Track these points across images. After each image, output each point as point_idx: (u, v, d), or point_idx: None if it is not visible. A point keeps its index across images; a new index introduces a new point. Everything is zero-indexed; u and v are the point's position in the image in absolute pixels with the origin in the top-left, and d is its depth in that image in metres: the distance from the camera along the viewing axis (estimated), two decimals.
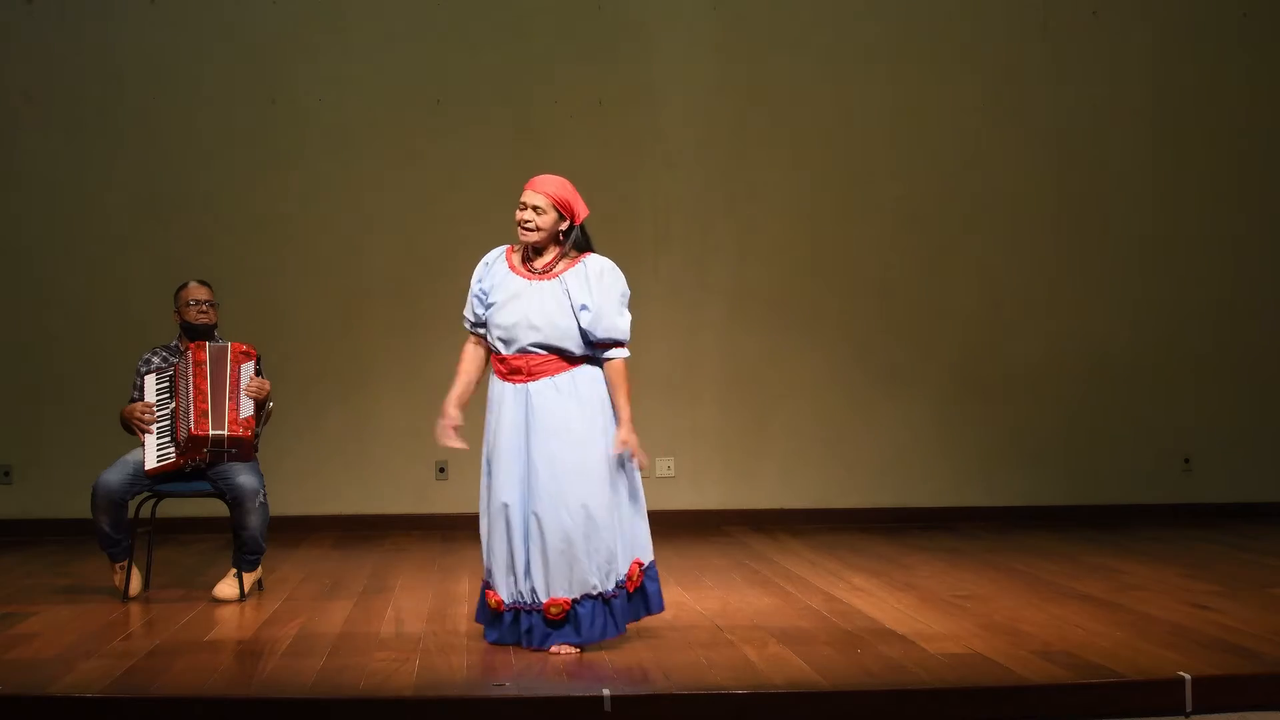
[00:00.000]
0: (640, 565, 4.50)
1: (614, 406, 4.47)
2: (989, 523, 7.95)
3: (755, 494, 8.09)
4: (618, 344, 4.47)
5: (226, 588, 5.47)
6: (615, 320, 4.44)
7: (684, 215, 8.11)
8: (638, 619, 4.55)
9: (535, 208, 4.46)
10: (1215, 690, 3.99)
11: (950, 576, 6.01)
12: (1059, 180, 8.30)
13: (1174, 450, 8.33)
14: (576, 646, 4.43)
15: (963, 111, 8.25)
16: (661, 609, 4.59)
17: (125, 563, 5.52)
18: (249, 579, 5.55)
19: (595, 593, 4.39)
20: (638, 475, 4.55)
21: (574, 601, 4.38)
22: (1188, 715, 3.94)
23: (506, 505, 4.42)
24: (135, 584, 5.56)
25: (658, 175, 8.10)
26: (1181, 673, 4.01)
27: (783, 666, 4.23)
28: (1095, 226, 8.32)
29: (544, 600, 4.39)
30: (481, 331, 4.59)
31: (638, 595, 4.50)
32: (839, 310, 8.16)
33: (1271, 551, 6.78)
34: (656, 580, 4.57)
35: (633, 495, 4.52)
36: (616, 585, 4.44)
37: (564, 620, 4.39)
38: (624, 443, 4.45)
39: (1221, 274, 8.39)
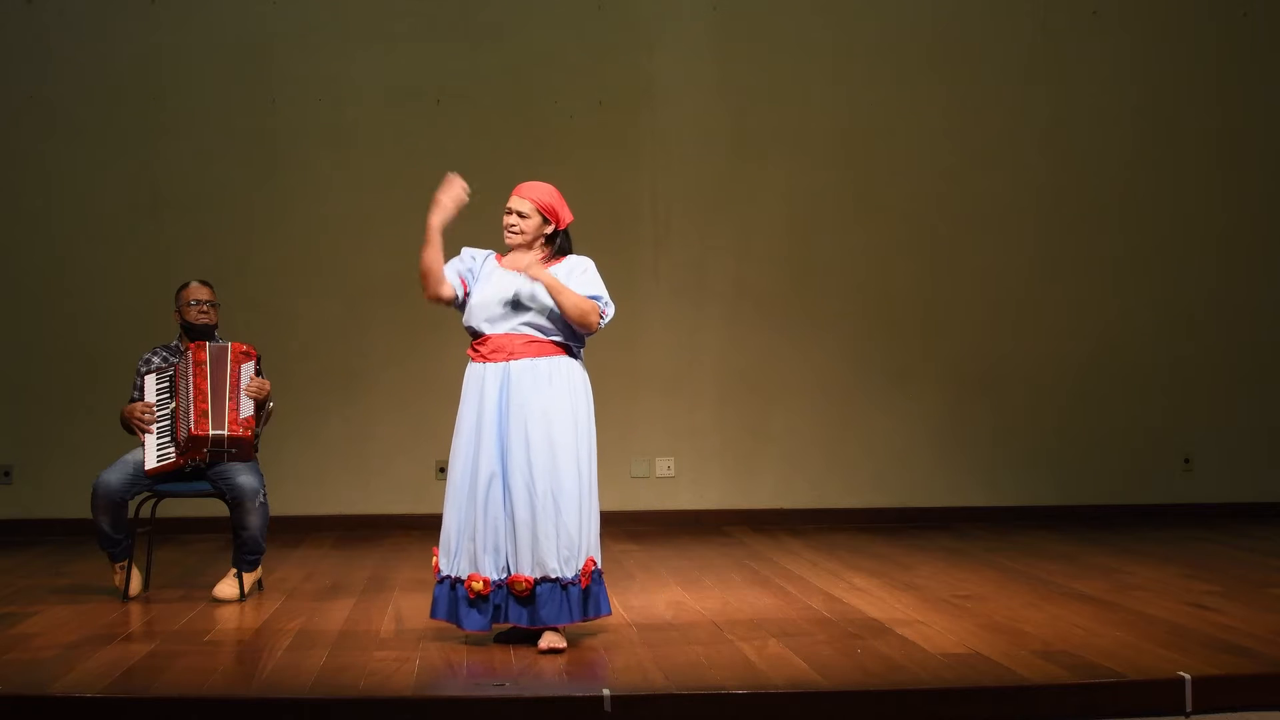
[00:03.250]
0: (593, 564, 4.53)
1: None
2: (989, 523, 7.95)
3: (755, 494, 8.09)
4: (594, 299, 4.57)
5: (226, 588, 5.47)
6: (595, 288, 4.59)
7: (684, 215, 8.12)
8: (588, 619, 4.54)
9: (520, 213, 4.65)
10: (1215, 690, 3.99)
11: (950, 576, 6.01)
12: (1059, 180, 8.30)
13: (1174, 450, 8.34)
14: (559, 634, 4.47)
15: (962, 111, 8.25)
16: (610, 612, 4.61)
17: (125, 563, 5.52)
18: (249, 579, 5.55)
19: (554, 576, 4.44)
20: (596, 476, 4.59)
21: (535, 581, 4.45)
22: (1188, 715, 3.94)
23: (494, 475, 4.49)
24: (135, 584, 5.56)
25: (658, 175, 8.10)
26: (1181, 673, 4.01)
27: (783, 666, 4.23)
28: (1094, 225, 8.32)
29: (512, 574, 4.47)
30: (451, 283, 4.69)
31: (590, 593, 4.52)
32: (838, 310, 8.17)
33: (1271, 551, 6.78)
34: (603, 584, 4.59)
35: (594, 495, 4.58)
36: (576, 576, 4.47)
37: (529, 598, 4.46)
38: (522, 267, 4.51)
39: (1222, 273, 8.39)
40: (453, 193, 4.65)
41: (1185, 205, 8.39)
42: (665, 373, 8.00)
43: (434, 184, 7.88)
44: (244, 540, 5.47)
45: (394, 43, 7.98)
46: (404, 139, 7.97)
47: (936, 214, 8.24)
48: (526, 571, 4.45)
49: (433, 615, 4.62)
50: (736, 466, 8.10)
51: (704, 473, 8.08)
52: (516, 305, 4.57)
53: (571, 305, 4.51)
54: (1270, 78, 8.45)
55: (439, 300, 4.71)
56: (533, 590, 4.45)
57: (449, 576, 4.55)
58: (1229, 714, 3.97)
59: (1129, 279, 8.34)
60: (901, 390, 8.18)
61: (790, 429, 8.13)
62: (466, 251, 4.79)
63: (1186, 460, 8.35)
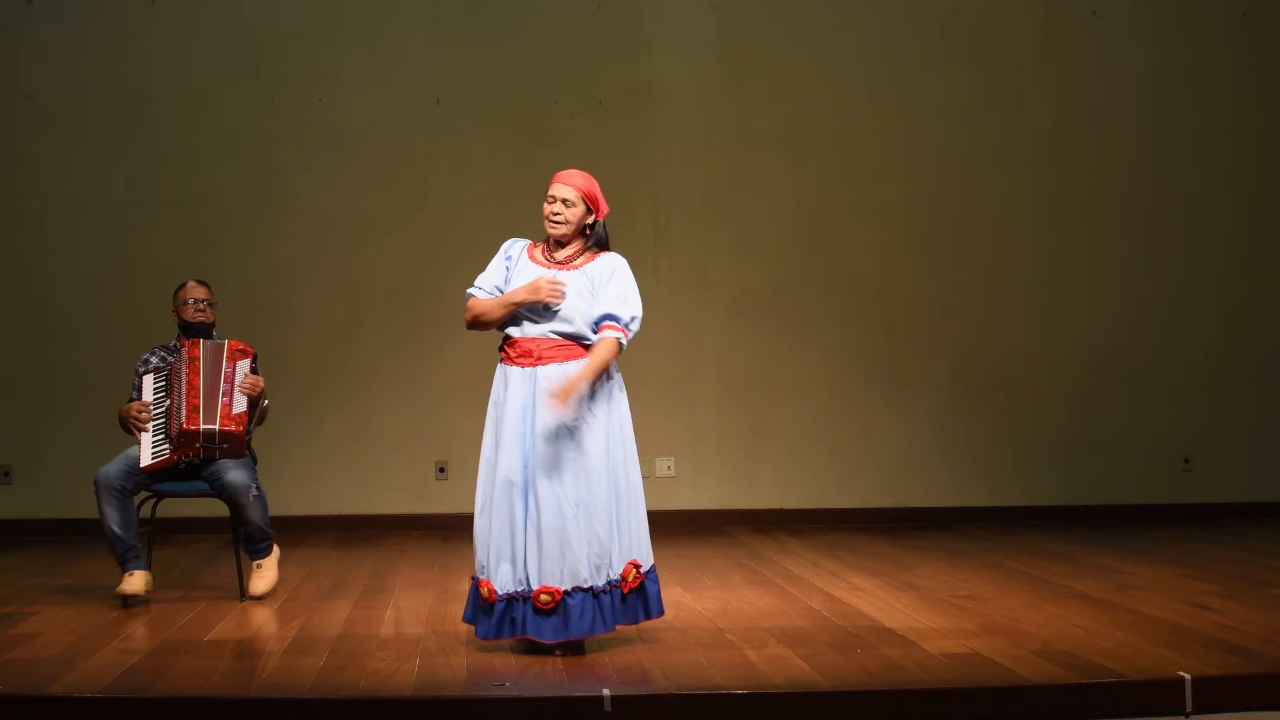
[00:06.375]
0: (637, 567, 4.46)
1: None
2: (989, 523, 7.95)
3: (755, 494, 8.09)
4: (613, 321, 4.43)
5: (260, 582, 5.45)
6: (618, 303, 4.44)
7: (684, 215, 8.12)
8: (636, 622, 4.51)
9: (565, 200, 4.48)
10: (1215, 690, 3.99)
11: (950, 576, 6.01)
12: (1059, 180, 8.30)
13: (1174, 450, 8.33)
14: (577, 646, 4.43)
15: (962, 111, 8.25)
16: (661, 613, 4.56)
17: (135, 571, 5.37)
18: (270, 562, 5.53)
19: (585, 585, 4.36)
20: (638, 478, 4.53)
21: (565, 592, 4.36)
22: (1188, 715, 3.94)
23: (511, 483, 4.39)
24: (139, 584, 5.45)
25: (658, 175, 8.10)
26: (1181, 673, 4.01)
27: (783, 666, 4.23)
28: (1094, 226, 8.32)
29: (535, 587, 4.37)
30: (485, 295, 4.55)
31: (635, 597, 4.47)
32: (839, 310, 8.16)
33: (1271, 551, 6.78)
34: (657, 583, 4.54)
35: (632, 497, 4.49)
36: (608, 583, 4.40)
37: (554, 610, 4.36)
38: (554, 395, 4.32)
39: (1221, 274, 8.39)
40: (545, 295, 4.41)
41: (1187, 206, 8.38)
42: (665, 373, 8.00)
43: (434, 184, 7.97)
44: (249, 534, 5.47)
45: (394, 43, 7.98)
46: (404, 139, 7.96)
47: (937, 214, 8.23)
48: (555, 582, 4.35)
49: (464, 618, 4.60)
50: (736, 466, 8.10)
51: (704, 473, 8.08)
52: (545, 310, 4.44)
53: (605, 364, 4.39)
54: (1270, 78, 8.45)
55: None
56: (561, 601, 4.35)
57: (475, 578, 4.52)
58: (1229, 714, 3.97)
59: (1130, 280, 8.33)
60: (902, 390, 8.18)
61: (790, 428, 8.13)
62: (503, 250, 4.60)
63: (1186, 460, 8.34)
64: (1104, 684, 3.99)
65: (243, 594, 5.49)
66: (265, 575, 5.52)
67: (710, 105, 8.13)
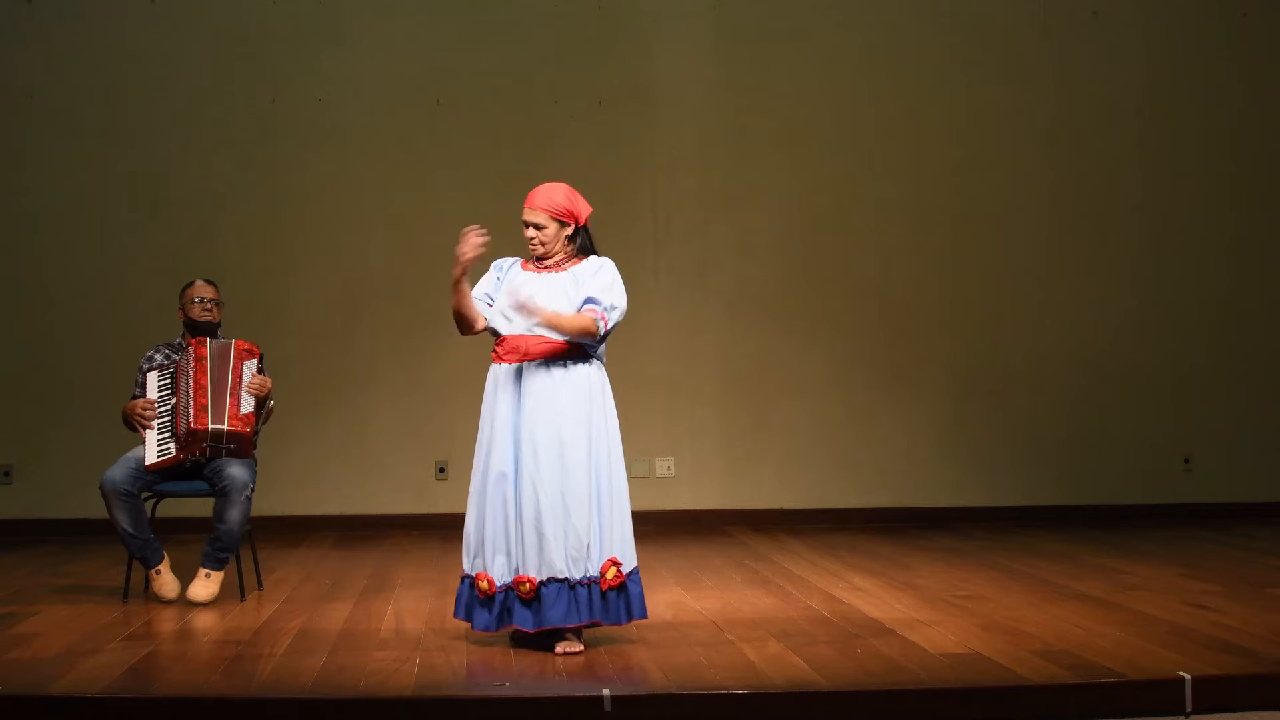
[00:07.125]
0: (617, 565, 4.49)
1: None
2: (989, 523, 7.95)
3: (755, 494, 8.09)
4: (594, 304, 4.49)
5: (202, 590, 5.34)
6: (601, 291, 4.52)
7: (684, 215, 8.12)
8: (620, 623, 4.53)
9: (536, 225, 4.59)
10: (1215, 690, 3.99)
11: (950, 576, 6.01)
12: (1059, 180, 8.30)
13: (1174, 450, 8.33)
14: (573, 640, 4.46)
15: (962, 112, 8.25)
16: (645, 615, 4.57)
17: (162, 567, 5.41)
18: (217, 579, 5.40)
19: (561, 577, 4.42)
20: (622, 479, 4.58)
21: (540, 583, 4.42)
22: (1188, 715, 3.94)
23: (504, 476, 4.48)
24: (173, 588, 5.43)
25: (657, 175, 8.10)
26: (1181, 673, 4.01)
27: (783, 666, 4.23)
28: (1094, 226, 8.32)
29: (518, 575, 4.45)
30: (482, 314, 4.64)
31: (617, 597, 4.49)
32: (838, 310, 8.16)
33: (1271, 551, 6.78)
34: (640, 585, 4.58)
35: (614, 497, 4.54)
36: (585, 578, 4.45)
37: (533, 599, 4.43)
38: (520, 304, 4.44)
39: (1221, 274, 8.39)
40: (467, 247, 4.46)
41: (1187, 206, 8.38)
42: (665, 372, 8.00)
43: (434, 184, 7.97)
44: (219, 534, 5.35)
45: (394, 43, 7.98)
46: (404, 139, 7.97)
47: (938, 214, 8.23)
48: (533, 573, 4.43)
49: (454, 614, 4.65)
50: (736, 466, 8.10)
51: (704, 473, 8.08)
52: (529, 308, 4.50)
53: (572, 331, 4.46)
54: (1270, 79, 8.45)
55: (474, 333, 4.69)
56: (537, 590, 4.42)
57: (467, 575, 4.58)
58: (1229, 714, 3.97)
59: (1130, 279, 8.33)
60: (901, 390, 8.18)
61: (790, 428, 8.13)
62: (494, 265, 4.74)
63: (1186, 460, 8.34)
64: (1104, 684, 3.99)
65: (242, 594, 5.48)
66: (210, 585, 5.38)
67: (710, 105, 8.14)
